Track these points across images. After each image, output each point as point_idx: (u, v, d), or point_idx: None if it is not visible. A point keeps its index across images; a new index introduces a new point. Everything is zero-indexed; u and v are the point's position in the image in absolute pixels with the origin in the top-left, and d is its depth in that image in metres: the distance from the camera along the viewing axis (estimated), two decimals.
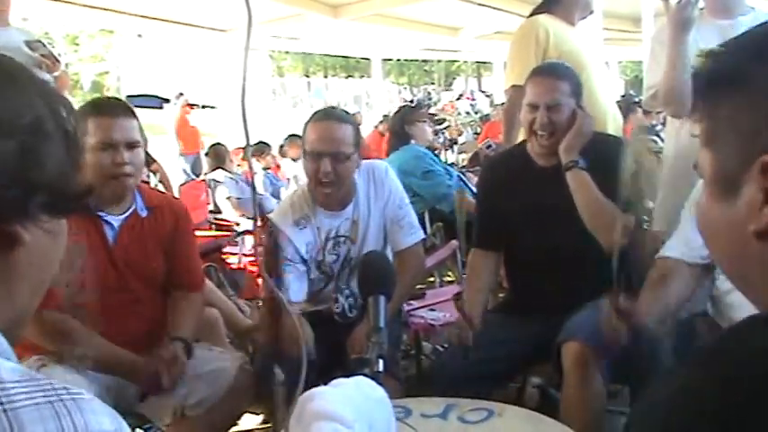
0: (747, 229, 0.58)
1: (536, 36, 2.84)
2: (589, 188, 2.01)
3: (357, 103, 24.47)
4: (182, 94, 11.13)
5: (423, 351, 2.92)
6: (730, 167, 0.60)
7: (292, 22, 8.09)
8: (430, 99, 23.03)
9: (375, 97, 16.46)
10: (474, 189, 3.91)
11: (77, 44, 23.75)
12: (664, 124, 5.02)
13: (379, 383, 1.02)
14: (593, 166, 2.03)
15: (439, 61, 28.68)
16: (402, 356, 2.88)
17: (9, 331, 0.63)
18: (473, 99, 22.53)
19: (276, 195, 6.31)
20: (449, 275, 3.99)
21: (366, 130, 9.25)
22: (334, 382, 0.98)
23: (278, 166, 7.58)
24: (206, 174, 6.36)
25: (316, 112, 2.26)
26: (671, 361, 1.76)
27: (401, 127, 4.31)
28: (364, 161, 2.27)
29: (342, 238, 2.22)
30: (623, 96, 8.44)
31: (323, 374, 1.85)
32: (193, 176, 8.40)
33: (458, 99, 22.71)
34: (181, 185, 6.31)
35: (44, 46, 3.13)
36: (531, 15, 3.02)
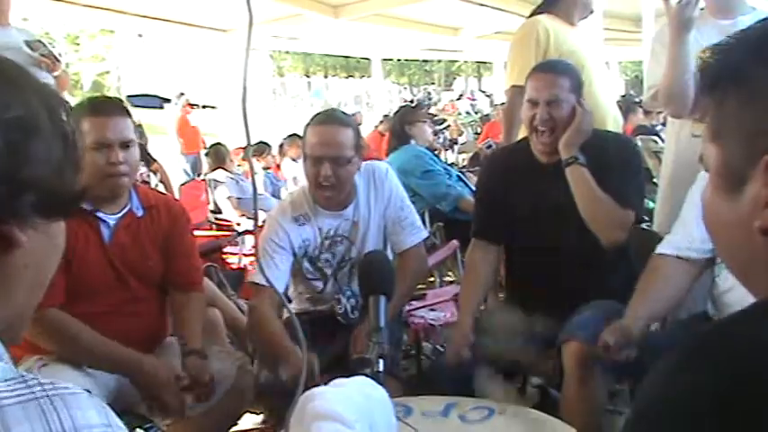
0: (752, 224, 0.59)
1: (536, 36, 2.84)
2: (589, 184, 2.01)
3: (357, 103, 24.51)
4: (182, 93, 11.14)
5: (423, 351, 2.92)
6: (736, 163, 0.60)
7: (293, 22, 8.08)
8: (430, 99, 23.05)
9: (375, 97, 16.47)
10: (474, 189, 3.91)
11: (78, 44, 23.74)
12: (664, 124, 5.03)
13: (380, 383, 1.02)
14: (593, 163, 2.03)
15: (439, 61, 28.69)
16: (402, 356, 2.88)
17: (5, 333, 0.63)
18: (473, 99, 22.54)
19: (276, 195, 6.31)
20: (449, 275, 3.99)
21: (366, 130, 9.25)
22: (335, 382, 0.98)
23: (278, 166, 7.58)
24: (206, 173, 6.36)
25: (316, 115, 2.25)
26: None
27: (401, 127, 4.31)
28: (365, 162, 2.26)
29: (339, 238, 2.22)
30: (623, 96, 8.45)
31: (323, 374, 1.86)
32: (194, 176, 8.41)
33: (458, 99, 22.73)
34: (181, 185, 6.32)
35: (44, 46, 3.13)
36: (531, 15, 3.02)
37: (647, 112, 6.72)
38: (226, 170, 5.94)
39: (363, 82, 27.20)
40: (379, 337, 1.17)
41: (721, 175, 0.63)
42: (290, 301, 2.32)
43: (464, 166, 6.96)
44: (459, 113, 16.84)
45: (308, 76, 32.41)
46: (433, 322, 2.70)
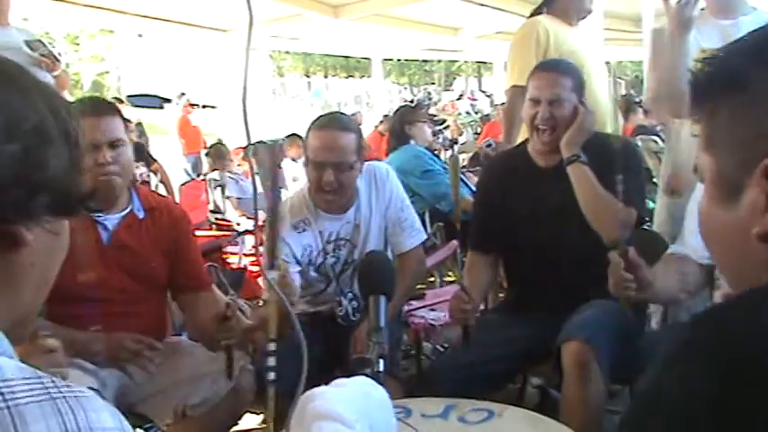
0: (750, 232, 0.58)
1: (536, 36, 2.84)
2: (591, 182, 2.01)
3: (357, 103, 24.51)
4: (183, 93, 11.15)
5: (423, 351, 2.92)
6: (731, 171, 0.60)
7: (293, 22, 8.08)
8: (430, 99, 23.05)
9: (375, 97, 16.46)
10: (474, 189, 3.92)
11: (78, 44, 23.73)
12: (664, 124, 5.02)
13: (380, 383, 1.02)
14: (594, 164, 2.03)
15: (439, 61, 28.67)
16: (402, 356, 2.88)
17: (11, 331, 0.63)
18: (473, 99, 22.54)
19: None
20: (449, 275, 3.99)
21: (366, 130, 9.25)
22: (335, 382, 0.98)
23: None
24: (206, 173, 6.36)
25: (319, 118, 2.24)
26: None
27: (400, 127, 4.31)
28: (365, 162, 2.26)
29: (342, 241, 2.22)
30: (624, 96, 8.46)
31: (323, 374, 1.86)
32: (194, 176, 8.40)
33: (458, 99, 22.73)
34: (181, 185, 6.32)
35: (44, 46, 3.13)
36: (531, 16, 3.02)
37: (647, 112, 6.72)
38: (226, 170, 5.94)
39: (363, 82, 27.19)
40: (379, 337, 1.17)
41: (716, 183, 0.63)
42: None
43: (464, 166, 6.95)
44: (460, 113, 16.86)
45: (307, 76, 32.40)
46: (433, 322, 2.70)
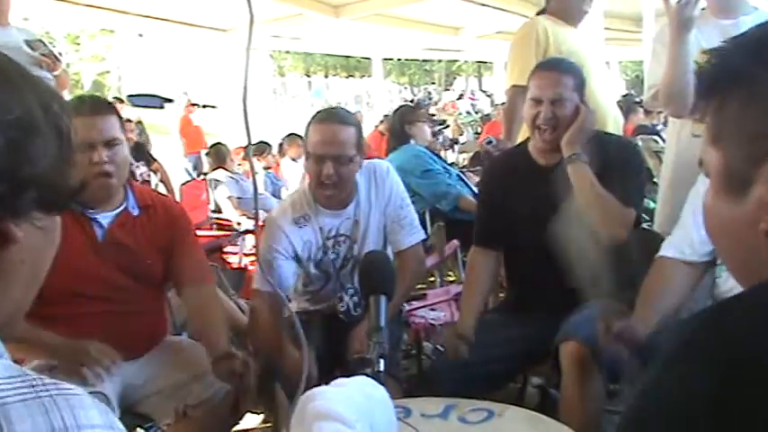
0: (757, 227, 0.58)
1: (536, 36, 2.84)
2: (590, 181, 2.01)
3: (358, 102, 24.50)
4: (185, 93, 11.14)
5: (423, 351, 2.92)
6: (739, 165, 0.60)
7: (293, 22, 8.09)
8: (430, 99, 23.02)
9: (376, 97, 16.47)
10: (474, 189, 3.92)
11: (78, 44, 23.73)
12: (665, 124, 5.03)
13: (381, 383, 1.02)
14: (595, 164, 2.03)
15: (440, 61, 28.68)
16: (403, 356, 2.88)
17: (2, 329, 0.63)
18: (474, 99, 22.53)
19: (276, 195, 6.31)
20: (449, 275, 3.98)
21: (367, 130, 9.25)
22: (336, 381, 0.98)
23: (278, 165, 7.57)
24: (207, 173, 6.36)
25: (318, 113, 2.24)
26: None
27: (400, 126, 4.30)
28: (366, 160, 2.27)
29: (342, 237, 2.22)
30: (624, 96, 8.46)
31: (324, 374, 1.86)
32: (195, 176, 8.40)
33: (458, 99, 22.69)
34: (182, 185, 6.31)
35: (45, 45, 3.13)
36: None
37: (647, 112, 6.73)
38: (226, 170, 5.94)
39: (364, 82, 27.20)
40: (379, 337, 1.17)
41: (723, 178, 0.62)
42: (289, 301, 2.32)
43: (464, 166, 6.96)
44: (460, 113, 16.82)
45: (308, 76, 32.40)
46: (433, 322, 2.70)
